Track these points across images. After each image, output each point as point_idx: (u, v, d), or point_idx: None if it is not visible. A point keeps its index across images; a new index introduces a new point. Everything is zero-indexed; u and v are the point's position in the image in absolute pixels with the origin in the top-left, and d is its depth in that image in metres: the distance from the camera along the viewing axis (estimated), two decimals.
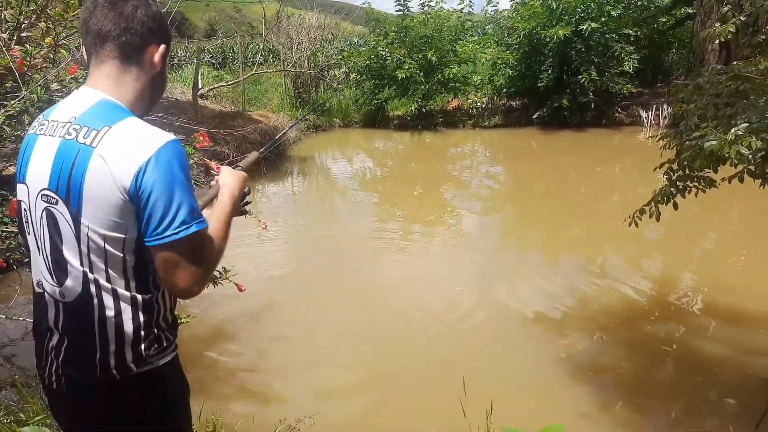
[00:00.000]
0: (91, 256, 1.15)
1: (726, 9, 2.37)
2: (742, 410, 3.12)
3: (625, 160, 10.30)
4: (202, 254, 1.16)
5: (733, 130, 1.92)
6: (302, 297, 4.74)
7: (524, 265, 5.55)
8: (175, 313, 1.35)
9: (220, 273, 3.37)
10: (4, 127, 2.50)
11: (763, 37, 2.59)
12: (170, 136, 1.14)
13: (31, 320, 3.01)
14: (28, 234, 1.24)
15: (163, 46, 1.25)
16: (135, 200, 1.10)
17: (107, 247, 1.14)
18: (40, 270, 1.23)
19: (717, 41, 10.24)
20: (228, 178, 1.34)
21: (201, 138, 2.90)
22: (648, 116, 12.03)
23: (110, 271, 1.16)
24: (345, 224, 7.02)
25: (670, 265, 5.45)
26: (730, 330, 4.01)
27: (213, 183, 1.35)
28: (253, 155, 1.51)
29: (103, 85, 1.19)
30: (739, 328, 4.01)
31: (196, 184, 2.91)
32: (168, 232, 1.09)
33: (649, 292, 4.65)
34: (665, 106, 11.67)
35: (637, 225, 3.04)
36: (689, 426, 3.05)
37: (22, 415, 2.46)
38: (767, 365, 3.58)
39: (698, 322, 4.18)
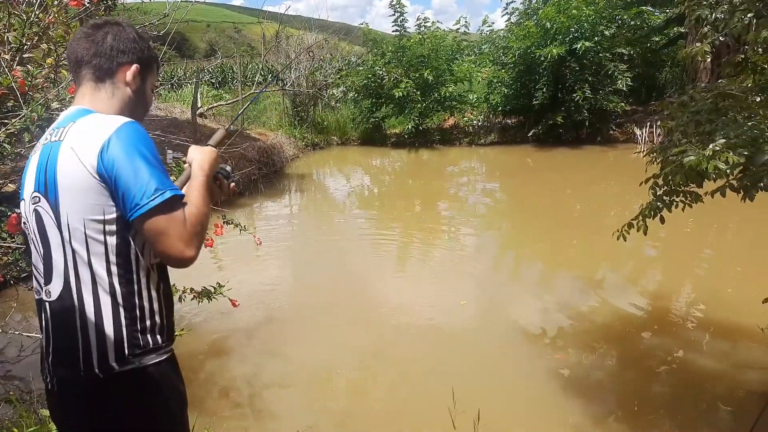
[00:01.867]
0: (73, 243, 1.20)
1: (706, 29, 2.45)
2: (735, 423, 3.14)
3: (620, 177, 10.39)
4: (183, 218, 1.20)
5: (711, 146, 1.98)
6: (298, 312, 4.76)
7: (520, 280, 5.59)
8: (172, 320, 1.37)
9: (214, 288, 3.41)
10: (4, 144, 2.56)
11: (742, 56, 2.67)
12: (129, 119, 1.24)
13: (27, 335, 3.03)
14: (31, 245, 1.30)
15: (135, 66, 1.36)
16: (104, 179, 1.17)
17: (87, 231, 1.19)
18: (37, 275, 1.29)
19: (708, 59, 10.38)
20: (194, 153, 1.40)
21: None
22: (642, 133, 12.17)
23: (92, 258, 1.20)
24: (342, 240, 7.06)
25: (666, 280, 5.48)
26: (725, 345, 4.04)
27: (186, 166, 1.41)
28: (219, 132, 1.56)
29: (82, 101, 1.33)
30: (733, 343, 4.03)
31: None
32: (144, 201, 1.14)
33: (645, 307, 4.68)
34: (659, 123, 11.82)
35: (625, 239, 3.09)
36: None
37: (15, 430, 2.47)
38: (760, 378, 3.60)
39: (693, 336, 4.20)
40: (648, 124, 12.16)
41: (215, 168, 1.42)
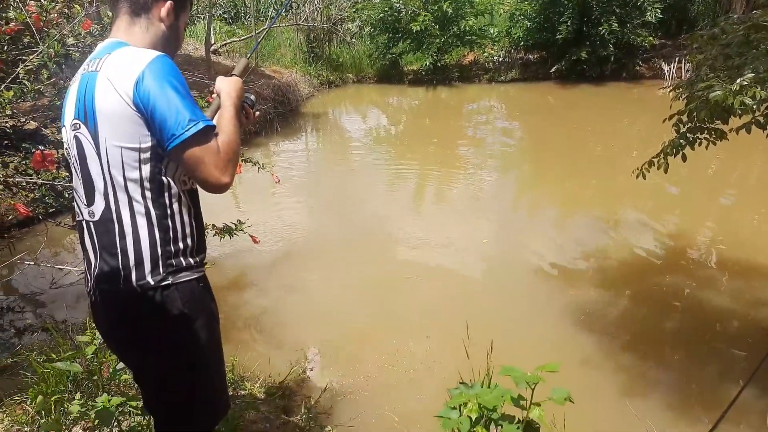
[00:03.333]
0: (112, 170, 1.28)
1: None
2: (744, 357, 3.22)
3: (644, 115, 10.09)
4: (217, 147, 1.27)
5: (738, 80, 1.91)
6: (316, 248, 4.87)
7: (539, 219, 5.60)
8: (204, 243, 1.46)
9: (235, 225, 3.50)
10: (24, 81, 2.58)
11: None
12: (160, 53, 1.29)
13: (58, 267, 3.17)
14: (72, 169, 1.38)
15: (170, 3, 1.39)
16: (140, 109, 1.23)
17: (124, 158, 1.27)
18: (78, 198, 1.38)
19: None
20: (221, 84, 1.46)
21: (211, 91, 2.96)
22: (670, 69, 11.68)
23: (128, 183, 1.28)
24: (360, 179, 7.08)
25: (686, 220, 5.44)
26: (740, 284, 4.05)
27: (214, 96, 1.47)
28: (242, 61, 1.60)
29: (117, 34, 1.38)
30: (749, 282, 4.05)
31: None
32: (179, 131, 1.21)
33: (664, 246, 4.69)
34: (687, 58, 11.31)
35: (644, 177, 3.06)
36: (690, 372, 3.16)
37: (53, 355, 2.63)
38: None
39: (709, 275, 4.22)
40: (676, 59, 11.65)
41: (241, 95, 1.48)
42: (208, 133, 1.26)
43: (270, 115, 9.54)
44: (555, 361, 1.95)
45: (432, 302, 3.91)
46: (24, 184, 2.85)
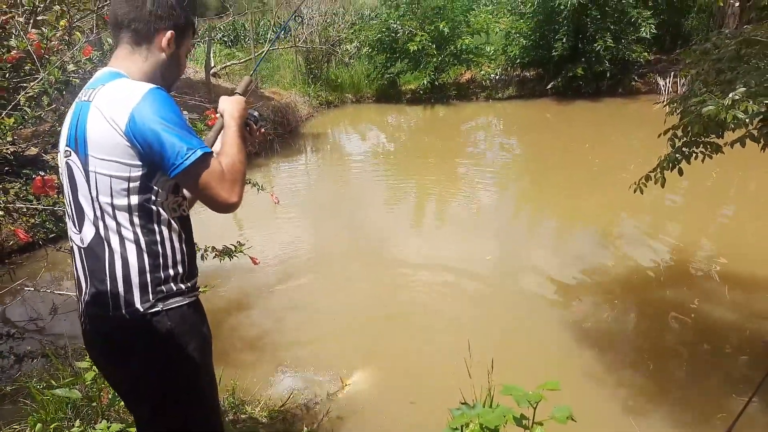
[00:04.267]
0: (101, 198, 1.30)
1: None
2: (747, 371, 3.19)
3: (641, 130, 10.12)
4: (220, 170, 1.30)
5: (730, 95, 1.93)
6: (317, 268, 4.86)
7: (538, 234, 5.60)
8: (195, 268, 1.46)
9: (235, 247, 3.50)
10: (25, 108, 2.61)
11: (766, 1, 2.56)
12: (154, 85, 1.31)
13: (58, 293, 3.16)
14: (64, 194, 1.41)
15: (171, 32, 1.41)
16: (133, 141, 1.25)
17: (113, 186, 1.29)
18: (69, 223, 1.40)
19: (736, 4, 9.90)
20: (224, 104, 1.49)
21: (213, 116, 3.01)
22: (666, 84, 11.77)
23: (117, 211, 1.30)
24: (359, 198, 7.10)
25: (686, 233, 5.44)
26: (742, 296, 4.04)
27: (217, 116, 1.50)
28: (245, 79, 1.64)
29: (115, 63, 1.41)
30: (751, 294, 4.04)
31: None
32: (178, 161, 1.24)
33: (664, 260, 4.68)
34: (681, 72, 11.40)
35: (642, 192, 3.07)
36: (693, 386, 3.13)
37: (53, 381, 2.62)
38: None
39: (711, 288, 4.21)
40: (672, 73, 11.73)
41: (245, 115, 1.50)
42: (208, 158, 1.28)
43: (270, 136, 9.60)
44: (556, 379, 1.95)
45: (433, 321, 3.89)
46: (25, 209, 2.86)
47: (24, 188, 2.93)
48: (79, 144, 1.30)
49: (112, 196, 1.29)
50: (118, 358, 1.39)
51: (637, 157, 8.32)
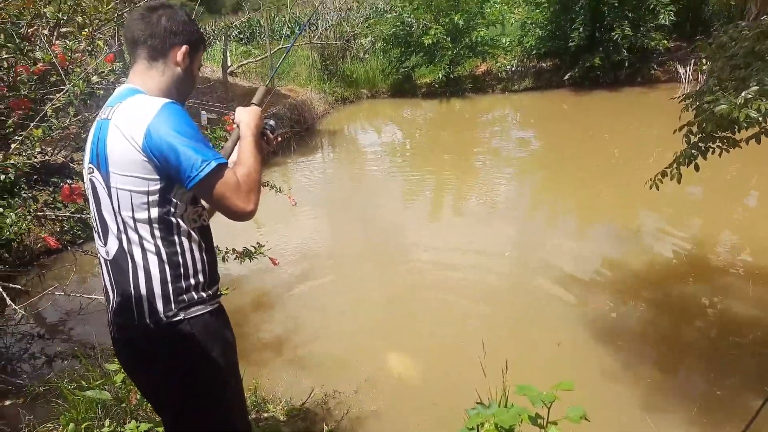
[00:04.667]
0: (122, 212, 1.36)
1: None
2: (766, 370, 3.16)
3: (661, 119, 9.95)
4: (236, 180, 1.34)
5: (743, 93, 1.93)
6: (335, 267, 4.93)
7: (557, 228, 5.58)
8: (216, 275, 1.52)
9: (254, 248, 3.58)
10: (52, 119, 2.71)
11: None
12: (166, 99, 1.37)
13: (87, 296, 3.28)
14: (90, 209, 1.48)
15: (185, 47, 1.48)
16: (150, 156, 1.31)
17: (133, 200, 1.35)
18: (96, 236, 1.47)
19: None
20: (240, 115, 1.54)
21: (230, 120, 3.09)
22: (686, 71, 11.53)
23: (138, 224, 1.37)
24: (377, 194, 7.15)
25: (706, 227, 5.38)
26: (764, 291, 3.99)
27: (234, 126, 1.56)
28: (261, 89, 1.68)
29: (133, 79, 1.47)
30: None
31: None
32: (194, 173, 1.29)
33: (684, 254, 4.64)
34: (704, 60, 11.17)
35: (658, 188, 3.06)
36: (712, 383, 3.12)
37: (83, 382, 2.73)
38: None
39: (731, 282, 4.16)
40: (692, 61, 11.50)
41: (261, 125, 1.56)
42: (222, 169, 1.33)
43: (287, 134, 9.69)
44: (572, 377, 1.98)
45: (451, 319, 3.93)
46: (53, 216, 2.97)
47: (52, 196, 3.05)
48: (101, 161, 1.37)
49: (133, 210, 1.35)
50: (143, 365, 1.47)
51: (658, 146, 8.21)
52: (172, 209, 1.38)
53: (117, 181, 1.34)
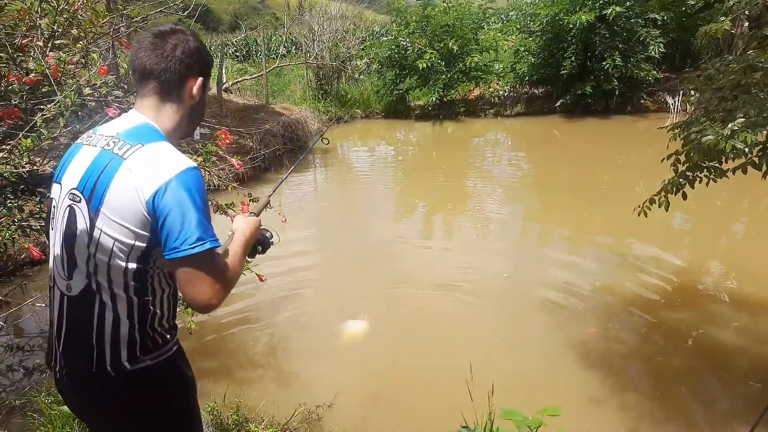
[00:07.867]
0: (98, 255, 1.26)
1: (731, 3, 2.40)
2: (755, 394, 3.17)
3: (650, 148, 10.12)
4: (218, 269, 1.25)
5: (729, 125, 1.96)
6: (323, 286, 4.90)
7: (545, 254, 5.60)
8: (176, 309, 1.44)
9: None
10: (42, 129, 2.69)
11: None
12: (192, 163, 1.27)
13: None
14: (51, 230, 1.37)
15: (201, 79, 1.40)
16: (152, 215, 1.22)
17: (115, 249, 1.24)
18: (55, 264, 1.35)
19: (746, 24, 9.90)
20: (238, 222, 1.49)
21: (223, 136, 3.09)
22: (675, 102, 11.79)
23: (112, 273, 1.26)
24: (368, 213, 7.15)
25: (694, 254, 5.43)
26: (750, 318, 4.02)
27: (229, 233, 1.47)
28: (262, 200, 1.65)
29: (149, 113, 1.36)
30: (760, 317, 4.01)
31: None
32: (184, 247, 1.19)
33: (672, 280, 4.67)
34: (692, 92, 11.42)
35: (646, 215, 3.08)
36: (699, 410, 3.11)
37: (60, 396, 2.66)
38: None
39: (718, 310, 4.19)
40: (681, 92, 11.77)
41: (257, 236, 1.51)
42: (212, 253, 1.24)
43: (280, 151, 9.71)
44: (558, 402, 1.96)
45: (438, 340, 3.90)
46: (38, 227, 2.93)
47: (38, 206, 3.01)
48: (94, 196, 1.25)
49: (110, 256, 1.25)
50: (101, 410, 1.35)
51: (646, 175, 8.32)
52: (152, 262, 1.28)
53: (105, 224, 1.23)
